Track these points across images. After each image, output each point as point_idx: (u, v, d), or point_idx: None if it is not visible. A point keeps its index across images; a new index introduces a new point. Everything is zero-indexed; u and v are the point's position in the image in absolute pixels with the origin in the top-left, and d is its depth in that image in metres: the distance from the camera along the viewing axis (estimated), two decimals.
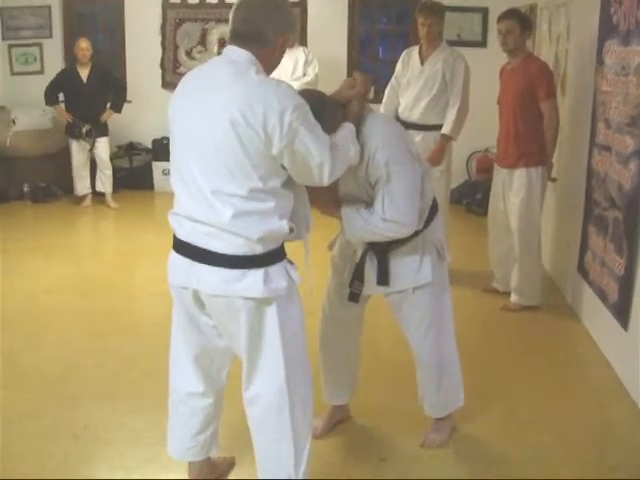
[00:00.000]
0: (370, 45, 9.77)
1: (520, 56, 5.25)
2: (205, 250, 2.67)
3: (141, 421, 3.77)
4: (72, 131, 8.57)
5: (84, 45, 8.41)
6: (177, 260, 2.79)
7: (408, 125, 5.67)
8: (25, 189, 9.02)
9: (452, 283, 5.40)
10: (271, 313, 2.73)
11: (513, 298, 5.39)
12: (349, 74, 9.23)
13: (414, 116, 5.76)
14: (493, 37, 7.93)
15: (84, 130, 8.48)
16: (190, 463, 3.20)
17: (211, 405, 3.08)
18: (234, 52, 2.69)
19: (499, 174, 5.46)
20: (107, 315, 5.26)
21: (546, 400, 4.07)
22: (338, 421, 3.76)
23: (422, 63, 5.79)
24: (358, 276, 3.34)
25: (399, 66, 5.96)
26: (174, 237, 2.81)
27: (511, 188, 5.29)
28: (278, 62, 2.82)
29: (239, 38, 2.69)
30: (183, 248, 2.75)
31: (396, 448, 3.57)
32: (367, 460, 3.47)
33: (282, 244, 2.76)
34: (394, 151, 3.02)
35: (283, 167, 2.64)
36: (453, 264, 5.64)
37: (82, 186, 8.75)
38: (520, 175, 5.21)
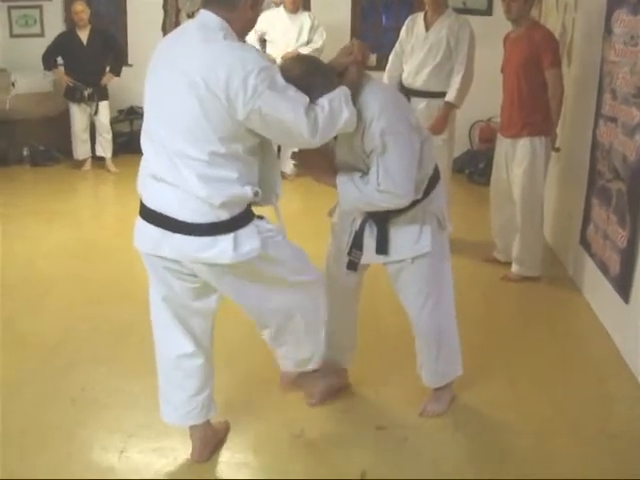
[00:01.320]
0: (373, 12, 9.66)
1: (524, 24, 5.17)
2: (173, 219, 2.68)
3: (138, 385, 3.76)
4: (73, 94, 8.46)
5: (79, 8, 8.32)
6: (145, 227, 2.80)
7: (412, 92, 5.63)
8: (25, 153, 8.98)
9: (453, 252, 5.37)
10: (253, 269, 2.79)
11: (514, 268, 5.37)
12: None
13: (418, 83, 5.69)
14: (499, 5, 7.82)
15: (86, 94, 8.39)
16: (192, 428, 3.18)
17: (203, 365, 3.07)
18: (205, 16, 2.70)
19: (502, 144, 5.41)
20: (106, 280, 5.25)
21: (546, 372, 4.05)
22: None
23: (427, 29, 5.71)
24: (357, 245, 3.31)
25: (403, 32, 5.89)
26: (140, 203, 2.81)
27: (514, 158, 5.25)
28: (252, 23, 2.83)
29: (211, 2, 2.71)
30: (150, 216, 2.75)
31: (394, 417, 3.56)
32: (364, 428, 3.45)
33: (249, 206, 2.77)
34: (391, 120, 2.97)
35: (250, 132, 2.64)
36: (454, 233, 5.61)
37: (82, 150, 8.70)
38: (523, 145, 5.16)
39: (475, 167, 8.30)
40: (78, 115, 8.54)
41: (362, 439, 3.37)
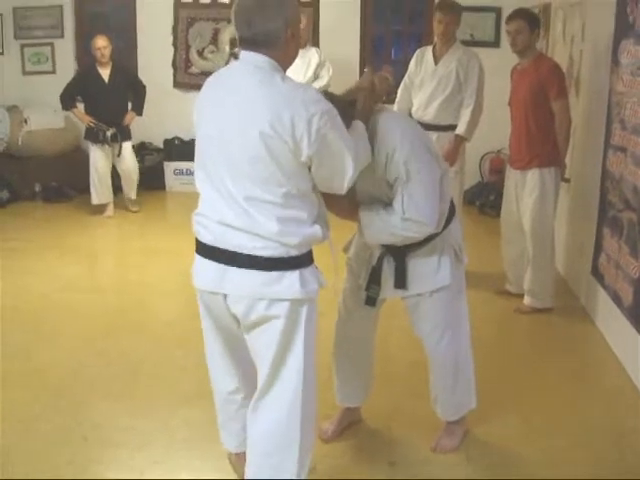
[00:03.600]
0: (382, 46, 9.73)
1: (530, 56, 5.20)
2: (238, 253, 2.67)
3: (151, 423, 3.76)
4: (94, 136, 7.98)
5: (102, 43, 7.84)
6: (205, 265, 2.78)
7: (421, 125, 5.57)
8: (37, 189, 9.01)
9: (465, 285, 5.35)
10: (301, 319, 2.74)
11: (526, 300, 5.34)
12: (361, 76, 9.20)
13: (427, 116, 5.73)
14: (506, 37, 7.93)
15: (109, 134, 7.92)
16: (238, 455, 3.19)
17: (249, 396, 2.99)
18: (253, 57, 2.66)
19: (512, 175, 5.42)
20: (119, 314, 5.26)
21: (559, 404, 4.03)
22: (349, 424, 3.72)
23: (436, 62, 5.75)
24: (375, 279, 3.28)
25: (412, 65, 5.92)
26: (198, 242, 2.81)
27: (524, 189, 5.25)
28: (295, 54, 2.80)
29: (249, 43, 2.66)
30: (212, 253, 2.74)
31: (406, 452, 3.54)
32: (376, 464, 3.43)
33: (311, 248, 2.79)
34: (414, 148, 2.97)
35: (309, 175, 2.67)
36: (466, 266, 5.63)
37: (104, 194, 8.16)
38: (533, 176, 5.17)
39: (486, 199, 8.29)
40: (101, 158, 8.05)
41: (374, 475, 3.35)
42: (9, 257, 6.54)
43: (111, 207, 8.28)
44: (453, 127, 5.66)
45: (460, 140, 5.67)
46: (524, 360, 4.62)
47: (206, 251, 2.77)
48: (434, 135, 5.61)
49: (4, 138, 8.93)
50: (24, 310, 5.29)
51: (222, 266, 2.71)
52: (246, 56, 2.68)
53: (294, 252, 2.68)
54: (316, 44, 8.69)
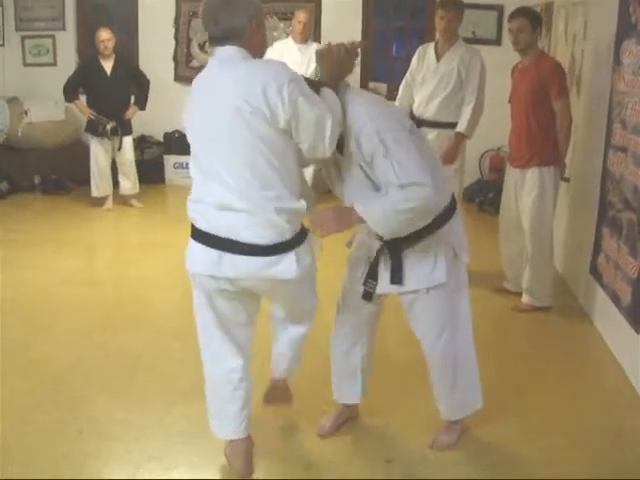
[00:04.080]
0: (384, 42, 9.72)
1: (532, 55, 5.19)
2: (235, 241, 2.84)
3: (147, 417, 3.76)
4: (94, 129, 7.96)
5: (105, 35, 7.81)
6: (201, 250, 2.93)
7: (422, 122, 5.64)
8: (36, 181, 9.02)
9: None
10: (303, 282, 3.07)
11: (524, 299, 5.34)
12: (363, 71, 9.20)
13: (428, 113, 5.71)
14: (508, 35, 7.90)
15: (109, 127, 7.87)
16: (236, 442, 3.30)
17: (248, 377, 3.25)
18: (221, 51, 2.88)
19: (511, 174, 5.41)
20: (118, 308, 5.26)
21: (557, 403, 4.03)
22: (346, 420, 3.72)
23: (438, 60, 5.72)
24: (372, 275, 3.28)
25: (414, 62, 5.91)
26: (194, 228, 2.96)
27: (523, 188, 5.24)
28: (265, 42, 3.05)
29: (218, 40, 2.89)
30: (209, 239, 2.90)
31: (403, 449, 3.53)
32: (373, 461, 3.43)
33: (303, 223, 3.02)
34: (383, 120, 2.99)
35: (292, 140, 2.85)
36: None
37: (103, 187, 8.18)
38: (532, 174, 5.16)
39: (485, 196, 8.29)
40: (100, 150, 8.05)
41: (371, 472, 3.34)
42: (8, 249, 6.55)
43: (110, 200, 8.27)
44: (454, 125, 5.64)
45: (460, 138, 5.66)
46: (522, 359, 4.63)
47: (202, 237, 2.92)
48: (434, 132, 5.62)
49: (4, 130, 8.92)
50: (22, 303, 5.28)
51: (218, 252, 2.88)
52: (217, 51, 2.90)
53: (288, 235, 2.88)
54: (318, 40, 8.67)
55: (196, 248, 2.96)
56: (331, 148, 2.89)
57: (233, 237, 2.83)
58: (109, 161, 8.18)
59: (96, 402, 3.90)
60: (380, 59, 9.70)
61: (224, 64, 2.85)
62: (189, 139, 2.99)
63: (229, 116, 2.76)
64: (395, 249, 3.18)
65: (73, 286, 5.70)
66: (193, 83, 2.99)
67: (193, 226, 2.97)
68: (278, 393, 3.59)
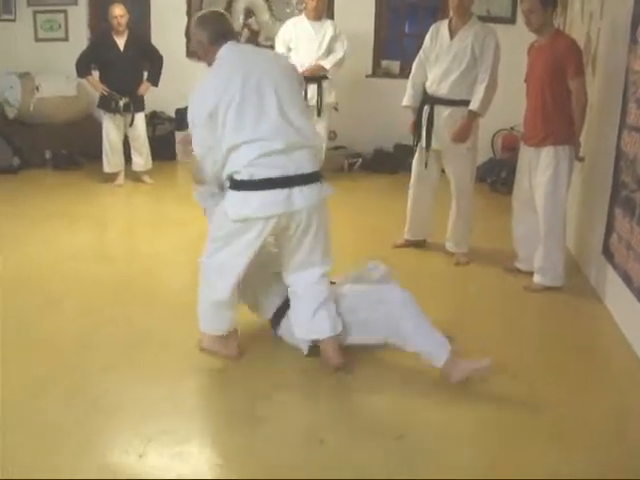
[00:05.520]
0: (397, 20, 9.66)
1: (547, 34, 5.14)
2: (303, 174, 3.68)
3: (158, 391, 3.77)
4: (107, 104, 8.00)
5: (119, 11, 7.79)
6: (269, 196, 3.62)
7: (435, 100, 5.62)
8: (47, 156, 9.03)
9: (474, 261, 5.44)
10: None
11: (536, 278, 5.32)
12: (375, 50, 9.17)
13: (442, 91, 5.64)
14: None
15: (121, 104, 7.93)
16: (233, 333, 4.10)
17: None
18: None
19: (525, 152, 5.38)
20: (127, 283, 5.27)
21: (566, 382, 4.01)
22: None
23: (451, 37, 5.65)
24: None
25: (427, 40, 5.84)
26: (257, 181, 3.61)
27: (537, 167, 5.22)
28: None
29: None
30: (277, 182, 3.62)
31: (415, 424, 3.51)
32: (384, 437, 3.41)
33: None
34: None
35: None
36: (476, 243, 5.67)
37: (115, 163, 8.24)
38: (547, 154, 5.14)
39: (497, 176, 8.27)
40: (112, 126, 8.09)
41: (382, 448, 3.33)
42: (19, 224, 6.57)
43: (122, 176, 8.30)
44: (467, 102, 5.58)
45: (473, 116, 5.62)
46: (533, 338, 4.64)
47: (271, 184, 3.61)
48: (447, 110, 5.59)
49: (15, 105, 8.93)
50: (33, 278, 5.30)
51: (287, 189, 3.62)
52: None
53: (318, 167, 3.81)
54: (331, 16, 8.63)
55: (265, 196, 3.61)
56: None
57: (303, 172, 3.66)
58: (121, 137, 8.19)
59: (107, 376, 3.91)
60: (393, 37, 9.64)
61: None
62: (232, 109, 3.59)
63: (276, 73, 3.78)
64: None
65: (84, 261, 5.71)
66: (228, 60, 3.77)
67: (256, 181, 3.60)
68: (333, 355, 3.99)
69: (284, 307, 4.12)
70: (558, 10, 5.84)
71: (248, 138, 3.61)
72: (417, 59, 5.93)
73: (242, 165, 3.62)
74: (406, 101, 5.89)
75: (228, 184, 3.76)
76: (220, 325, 4.05)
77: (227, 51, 3.78)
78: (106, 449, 3.27)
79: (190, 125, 3.79)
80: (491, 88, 5.57)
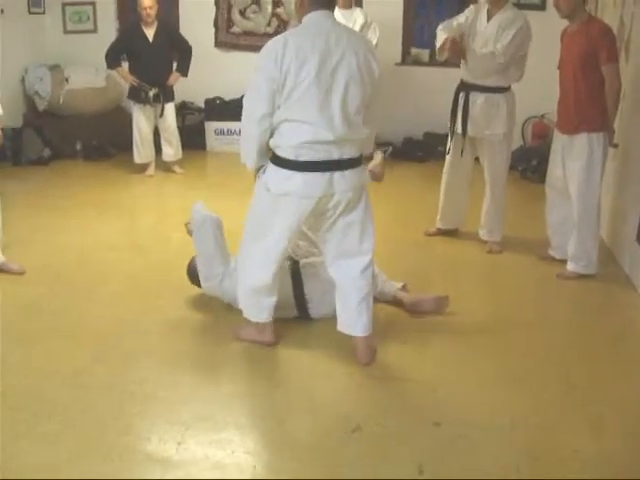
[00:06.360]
0: (425, 8, 9.59)
1: (579, 19, 5.08)
2: (343, 159, 3.68)
3: (194, 378, 3.80)
4: (137, 95, 7.99)
5: (148, 3, 7.77)
6: (311, 177, 3.64)
7: (471, 86, 5.57)
8: (78, 147, 9.07)
9: (507, 250, 5.40)
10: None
11: (569, 266, 5.29)
12: (405, 38, 9.12)
13: (475, 76, 5.59)
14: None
15: (151, 94, 7.91)
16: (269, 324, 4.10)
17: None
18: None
19: (559, 140, 5.33)
20: (161, 272, 5.28)
21: (600, 371, 4.00)
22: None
23: (488, 21, 5.58)
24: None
25: (463, 17, 5.71)
26: (298, 162, 3.62)
27: (571, 154, 5.18)
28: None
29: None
30: (322, 165, 3.64)
31: (451, 414, 3.51)
32: (421, 424, 3.42)
33: None
34: None
35: None
36: (507, 231, 5.63)
37: (145, 154, 8.23)
38: (581, 141, 5.09)
39: (528, 164, 8.20)
40: (142, 117, 8.07)
41: (419, 435, 3.34)
42: (50, 215, 6.62)
43: (152, 166, 8.31)
44: (502, 89, 5.55)
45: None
46: (566, 325, 4.63)
47: (314, 166, 3.63)
48: (482, 97, 5.54)
49: (45, 97, 8.98)
50: (65, 267, 5.33)
51: (329, 173, 3.65)
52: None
53: (360, 152, 3.80)
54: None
55: (307, 178, 3.65)
56: None
57: (343, 157, 3.68)
58: (151, 128, 8.19)
59: (143, 364, 3.94)
60: (421, 25, 9.57)
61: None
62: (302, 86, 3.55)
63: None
64: None
65: (117, 250, 5.75)
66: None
67: (300, 163, 3.64)
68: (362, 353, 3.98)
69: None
70: None
71: (308, 119, 3.57)
72: (445, 23, 5.78)
73: (291, 144, 3.62)
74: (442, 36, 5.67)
75: (270, 156, 3.75)
76: (259, 313, 4.07)
77: (317, 19, 3.64)
78: (144, 437, 3.29)
79: (254, 69, 3.64)
80: (492, 59, 5.45)
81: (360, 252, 3.89)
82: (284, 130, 3.63)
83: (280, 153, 3.67)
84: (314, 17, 3.64)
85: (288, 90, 3.53)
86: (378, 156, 4.59)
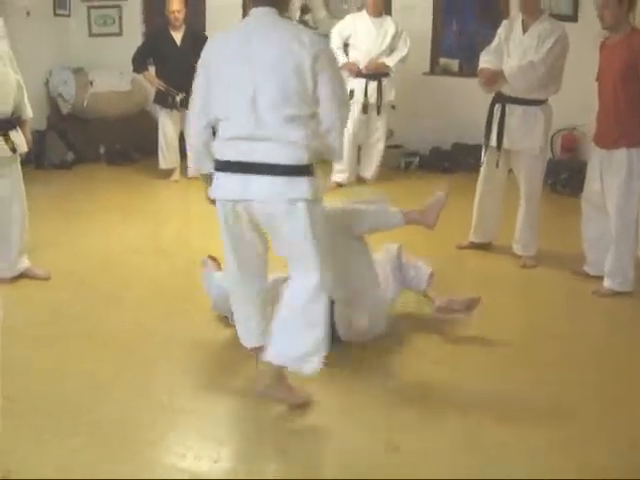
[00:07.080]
0: (454, 17, 9.50)
1: (622, 31, 4.98)
2: (264, 164, 3.30)
3: (223, 391, 3.75)
4: (164, 100, 7.95)
5: (176, 6, 7.76)
6: (229, 179, 3.39)
7: (507, 99, 5.47)
8: (101, 151, 9.04)
9: (541, 264, 5.31)
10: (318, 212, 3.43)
11: (606, 283, 5.17)
12: (433, 47, 9.05)
13: (514, 89, 5.51)
14: (584, 11, 7.61)
15: (178, 99, 7.80)
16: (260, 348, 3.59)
17: (260, 294, 3.67)
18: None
19: (597, 154, 5.22)
20: (186, 277, 5.20)
21: (635, 388, 3.91)
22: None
23: (524, 33, 5.49)
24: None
25: (501, 33, 5.64)
26: (221, 162, 3.41)
27: (610, 169, 5.07)
28: None
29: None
30: (239, 167, 3.35)
31: (485, 434, 3.42)
32: (455, 445, 3.33)
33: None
34: None
35: None
36: (541, 244, 5.53)
37: (171, 159, 8.18)
38: (620, 155, 4.98)
39: (557, 177, 8.09)
40: (169, 122, 8.04)
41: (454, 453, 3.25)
42: (74, 219, 6.61)
43: (177, 172, 8.24)
44: (539, 102, 5.46)
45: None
46: (601, 343, 4.57)
47: (232, 167, 3.37)
48: (520, 109, 5.45)
49: (70, 100, 8.96)
50: (89, 272, 5.30)
51: (246, 176, 3.33)
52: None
53: (306, 160, 3.33)
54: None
55: (225, 177, 3.42)
56: None
57: (264, 161, 3.32)
58: (177, 133, 8.09)
59: (170, 374, 3.89)
60: (450, 36, 9.49)
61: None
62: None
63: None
64: None
65: (141, 255, 5.72)
66: None
67: (220, 161, 3.44)
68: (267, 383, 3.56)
69: None
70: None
71: (227, 115, 3.41)
72: (488, 48, 5.71)
73: (217, 142, 3.48)
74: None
75: None
76: (249, 338, 3.75)
77: (253, 15, 3.51)
78: (178, 453, 3.21)
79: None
80: (532, 69, 5.35)
81: (303, 269, 3.46)
82: (217, 128, 3.50)
83: (214, 154, 3.52)
84: (252, 13, 3.51)
85: (212, 85, 3.48)
86: (438, 196, 4.18)
